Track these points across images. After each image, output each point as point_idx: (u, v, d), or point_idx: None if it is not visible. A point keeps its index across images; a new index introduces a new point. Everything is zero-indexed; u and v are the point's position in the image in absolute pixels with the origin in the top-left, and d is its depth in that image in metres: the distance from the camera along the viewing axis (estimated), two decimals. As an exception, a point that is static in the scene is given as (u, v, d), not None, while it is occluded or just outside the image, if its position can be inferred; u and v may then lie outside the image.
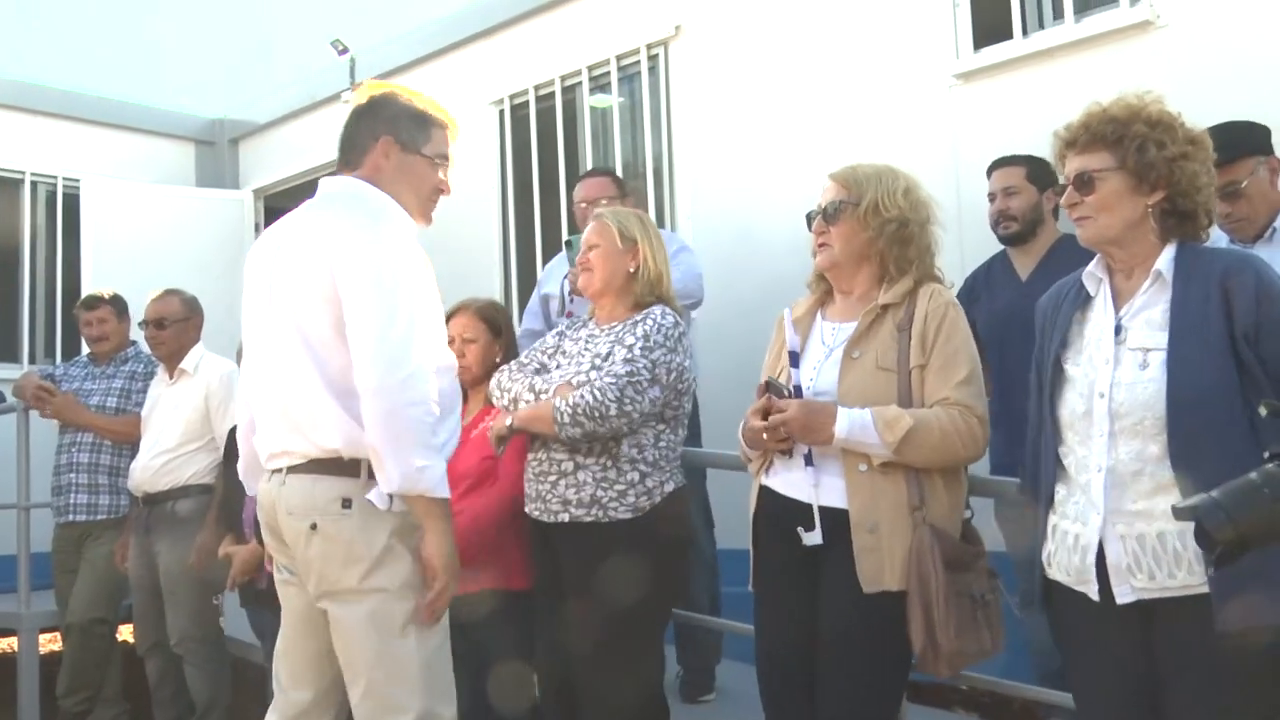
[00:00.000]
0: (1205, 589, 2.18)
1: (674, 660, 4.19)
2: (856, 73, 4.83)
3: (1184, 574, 2.23)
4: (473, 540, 3.47)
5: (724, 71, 5.34)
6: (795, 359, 2.82)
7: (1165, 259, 2.39)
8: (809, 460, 2.72)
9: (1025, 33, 4.37)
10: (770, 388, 2.76)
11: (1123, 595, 2.31)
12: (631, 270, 3.30)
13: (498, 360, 3.76)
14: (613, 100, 5.87)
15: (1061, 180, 2.51)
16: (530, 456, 3.35)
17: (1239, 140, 3.47)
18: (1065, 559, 2.42)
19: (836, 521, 2.67)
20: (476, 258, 6.22)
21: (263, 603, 4.56)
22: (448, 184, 2.94)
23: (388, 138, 2.81)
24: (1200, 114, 3.64)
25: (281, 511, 2.73)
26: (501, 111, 6.34)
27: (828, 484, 2.70)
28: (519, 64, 6.22)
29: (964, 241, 4.33)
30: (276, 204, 7.97)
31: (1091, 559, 2.35)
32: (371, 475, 2.63)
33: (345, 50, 7.19)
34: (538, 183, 6.14)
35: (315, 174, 7.44)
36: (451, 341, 3.90)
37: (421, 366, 2.61)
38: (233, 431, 4.89)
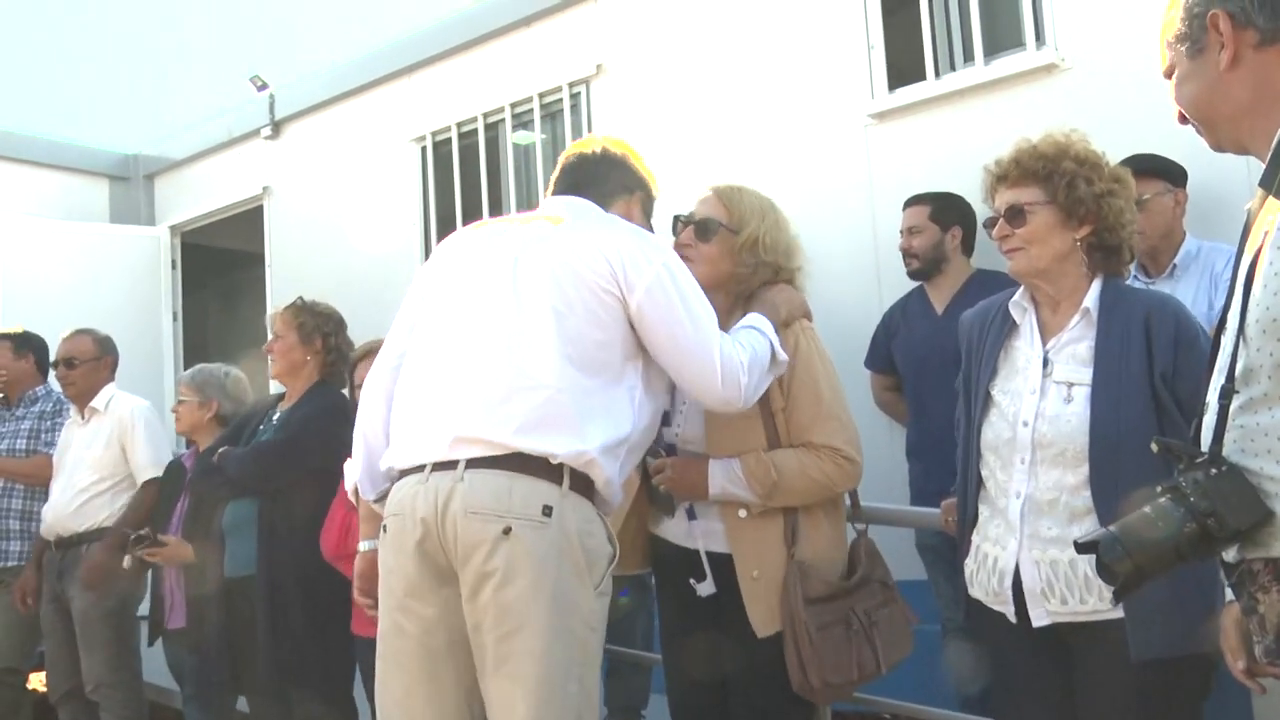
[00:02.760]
0: (1115, 614, 2.26)
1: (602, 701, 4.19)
2: (775, 112, 4.91)
3: (1094, 600, 2.31)
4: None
5: (645, 110, 5.40)
6: (666, 418, 2.79)
7: (1093, 296, 2.49)
8: (691, 514, 2.76)
9: (937, 74, 4.49)
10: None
11: (1038, 618, 2.38)
12: None
13: None
14: (535, 137, 5.91)
15: (991, 214, 2.60)
16: None
17: (1156, 164, 3.64)
18: (985, 579, 2.49)
19: (725, 567, 2.71)
20: (397, 294, 6.18)
21: (179, 642, 4.49)
22: None
23: (640, 195, 2.76)
24: (1104, 153, 3.79)
25: (457, 510, 2.31)
26: (424, 148, 6.34)
27: (711, 529, 2.75)
28: (441, 101, 6.24)
29: (881, 277, 4.43)
30: (194, 240, 7.89)
31: (1008, 582, 2.42)
32: (574, 486, 2.35)
33: (265, 86, 7.15)
34: (460, 219, 6.14)
35: (234, 210, 7.40)
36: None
37: (737, 356, 2.50)
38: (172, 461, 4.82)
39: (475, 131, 6.10)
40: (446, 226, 6.18)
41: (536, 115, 5.86)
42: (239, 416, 4.51)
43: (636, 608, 4.03)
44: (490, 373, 2.38)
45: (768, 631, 2.64)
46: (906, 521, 3.16)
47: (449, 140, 6.22)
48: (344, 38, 7.65)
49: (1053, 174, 2.48)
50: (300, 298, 4.33)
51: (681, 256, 2.74)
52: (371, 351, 4.01)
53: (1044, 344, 2.50)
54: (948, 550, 3.08)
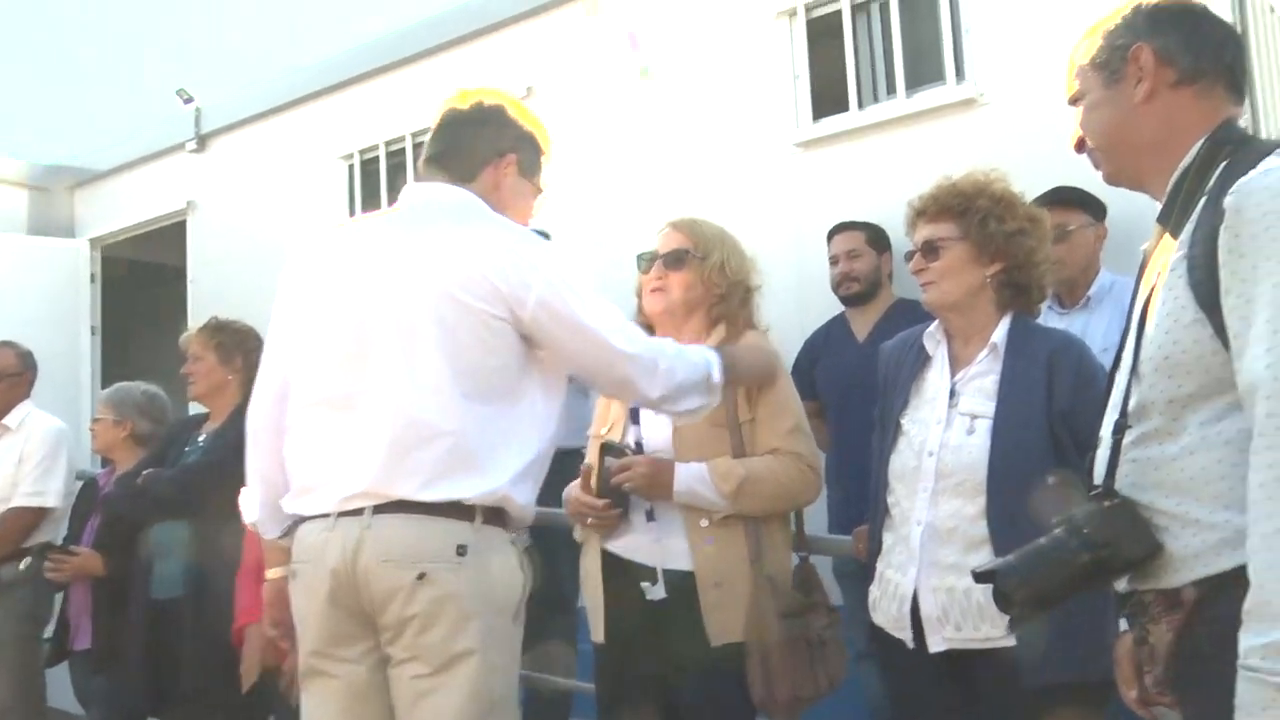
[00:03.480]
0: (1008, 642, 2.32)
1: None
2: (703, 138, 4.96)
3: (988, 627, 2.36)
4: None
5: (575, 133, 5.40)
6: (635, 415, 2.87)
7: (1001, 332, 2.56)
8: (650, 516, 2.77)
9: (861, 105, 4.57)
10: (609, 450, 2.80)
11: (935, 644, 2.44)
12: None
13: None
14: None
15: (910, 247, 2.68)
16: None
17: (1080, 197, 3.74)
18: (887, 605, 2.54)
19: (679, 581, 2.73)
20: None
21: (86, 665, 4.39)
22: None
23: (512, 155, 2.52)
24: (1022, 186, 3.87)
25: (369, 559, 2.25)
26: (351, 166, 6.30)
27: (671, 546, 2.76)
28: (370, 119, 6.20)
29: (804, 303, 4.48)
30: (115, 253, 7.75)
31: (907, 608, 2.47)
32: (487, 519, 2.29)
33: (190, 100, 7.06)
34: (387, 238, 6.11)
35: (156, 224, 7.28)
36: None
37: (655, 351, 2.44)
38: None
39: (403, 151, 6.08)
40: (373, 245, 6.16)
41: (466, 136, 5.84)
42: (161, 437, 4.45)
43: (558, 633, 4.02)
44: (387, 426, 2.27)
45: (723, 641, 2.67)
46: (823, 549, 3.20)
47: (377, 159, 6.19)
48: (273, 54, 7.58)
49: (967, 211, 2.57)
50: (214, 317, 4.28)
51: (653, 290, 2.88)
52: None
53: (953, 376, 2.56)
54: (864, 578, 3.12)
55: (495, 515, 2.32)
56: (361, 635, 2.31)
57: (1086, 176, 3.76)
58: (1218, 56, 1.80)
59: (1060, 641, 2.27)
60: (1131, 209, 3.79)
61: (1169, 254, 1.71)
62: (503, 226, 2.40)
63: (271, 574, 2.65)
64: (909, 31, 4.52)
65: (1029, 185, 3.84)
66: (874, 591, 2.61)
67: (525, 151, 2.55)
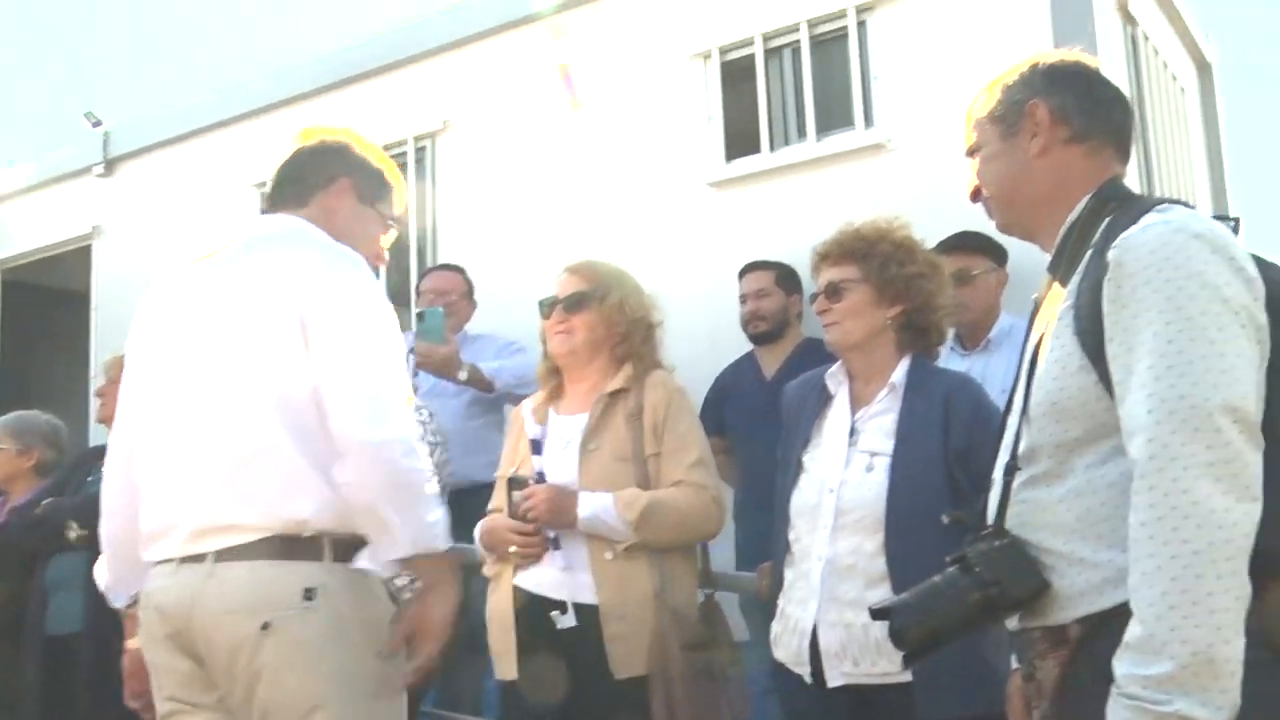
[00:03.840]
0: (905, 677, 2.36)
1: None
2: (617, 176, 5.01)
3: (885, 662, 2.41)
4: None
5: (491, 168, 5.44)
6: (538, 446, 2.89)
7: (900, 372, 2.62)
8: (556, 544, 2.79)
9: (772, 148, 4.67)
10: (514, 484, 2.83)
11: (833, 679, 2.47)
12: None
13: None
14: (379, 188, 5.88)
15: (814, 289, 2.74)
16: None
17: (983, 242, 3.84)
18: (788, 640, 2.58)
19: (583, 615, 2.75)
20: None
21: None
22: (385, 254, 2.61)
23: (346, 180, 2.45)
24: (926, 231, 3.98)
25: (210, 610, 2.13)
26: (264, 194, 6.22)
27: (578, 580, 2.78)
28: (283, 147, 6.15)
29: (716, 340, 4.54)
30: (17, 278, 7.57)
31: (807, 643, 2.50)
32: (339, 556, 2.16)
33: (99, 123, 6.94)
34: (299, 267, 6.06)
35: (60, 248, 7.13)
36: None
37: (410, 417, 2.24)
38: None
39: (318, 180, 6.04)
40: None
41: (381, 167, 5.83)
42: (61, 467, 4.35)
43: (466, 671, 4.00)
44: (210, 451, 2.20)
45: (627, 674, 2.68)
46: (729, 585, 3.24)
47: (290, 188, 6.13)
48: (187, 78, 7.49)
49: (869, 255, 2.64)
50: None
51: (558, 333, 2.90)
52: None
53: (853, 414, 2.62)
54: (770, 614, 3.16)
55: (345, 549, 2.18)
56: (212, 682, 2.20)
57: (989, 223, 3.90)
58: (1108, 118, 1.89)
59: (954, 677, 2.32)
60: (1031, 255, 3.90)
61: (1057, 303, 1.78)
62: (319, 248, 2.31)
63: (130, 644, 2.52)
64: (820, 77, 4.62)
65: (934, 230, 3.97)
66: (775, 627, 2.64)
67: (361, 177, 2.48)
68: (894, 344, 2.65)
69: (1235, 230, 1.84)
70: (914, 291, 2.64)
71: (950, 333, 3.96)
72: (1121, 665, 1.51)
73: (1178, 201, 1.76)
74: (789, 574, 2.63)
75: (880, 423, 2.58)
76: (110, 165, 6.87)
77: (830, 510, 2.53)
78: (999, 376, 3.81)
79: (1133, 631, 1.50)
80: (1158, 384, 1.55)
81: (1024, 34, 4.08)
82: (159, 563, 2.25)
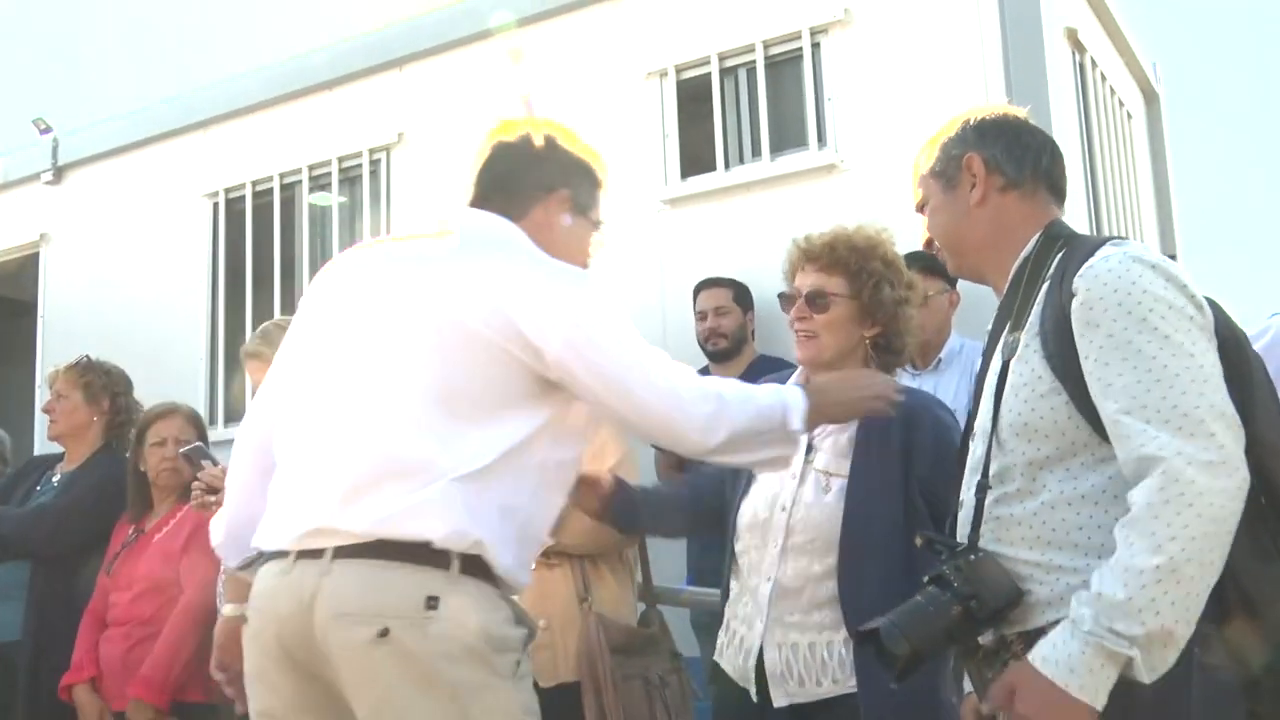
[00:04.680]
0: (847, 692, 2.38)
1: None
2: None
3: (829, 682, 2.41)
4: (175, 663, 3.36)
5: (446, 182, 5.43)
6: None
7: None
8: None
9: (727, 166, 4.70)
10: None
11: (778, 699, 2.45)
12: None
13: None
14: (333, 200, 5.86)
15: (789, 290, 2.60)
16: (221, 569, 3.29)
17: (937, 263, 3.82)
18: (731, 655, 2.56)
19: None
20: (179, 354, 6.00)
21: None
22: (591, 258, 2.42)
23: (565, 192, 2.31)
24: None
25: (323, 612, 1.97)
26: (216, 204, 6.19)
27: None
28: (237, 157, 6.12)
29: (669, 356, 4.55)
30: (-40, 285, 7.46)
31: (753, 662, 2.48)
32: (465, 569, 1.99)
33: (48, 130, 6.84)
34: (250, 279, 6.02)
35: (8, 256, 7.03)
36: (163, 443, 3.77)
37: (708, 390, 2.12)
38: None
39: (271, 191, 6.01)
40: (236, 286, 6.05)
41: (335, 179, 5.82)
42: (5, 477, 4.30)
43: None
44: (354, 454, 2.04)
45: (553, 681, 2.67)
46: (678, 600, 3.25)
47: (243, 198, 6.10)
48: (139, 87, 7.42)
49: (862, 270, 2.54)
50: (86, 356, 4.16)
51: None
52: (165, 414, 3.90)
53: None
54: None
55: (475, 564, 2.02)
56: (321, 702, 2.04)
57: (938, 245, 3.96)
58: (1036, 164, 2.03)
59: (900, 695, 2.30)
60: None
61: (1018, 333, 1.89)
62: (538, 263, 2.17)
63: (227, 610, 2.46)
64: (774, 97, 4.67)
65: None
66: (722, 637, 2.62)
67: (579, 185, 2.35)
68: (861, 362, 2.56)
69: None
70: (896, 315, 2.57)
71: (905, 352, 4.03)
72: (1088, 610, 1.64)
73: (1125, 239, 1.94)
74: (734, 585, 2.61)
75: (836, 440, 2.53)
76: (59, 173, 6.78)
77: (780, 529, 2.49)
78: (949, 395, 3.86)
79: (1113, 591, 1.62)
80: (1148, 395, 1.67)
81: (975, 59, 4.15)
82: (271, 557, 2.09)
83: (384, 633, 1.92)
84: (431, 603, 1.95)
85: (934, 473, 2.42)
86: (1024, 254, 1.96)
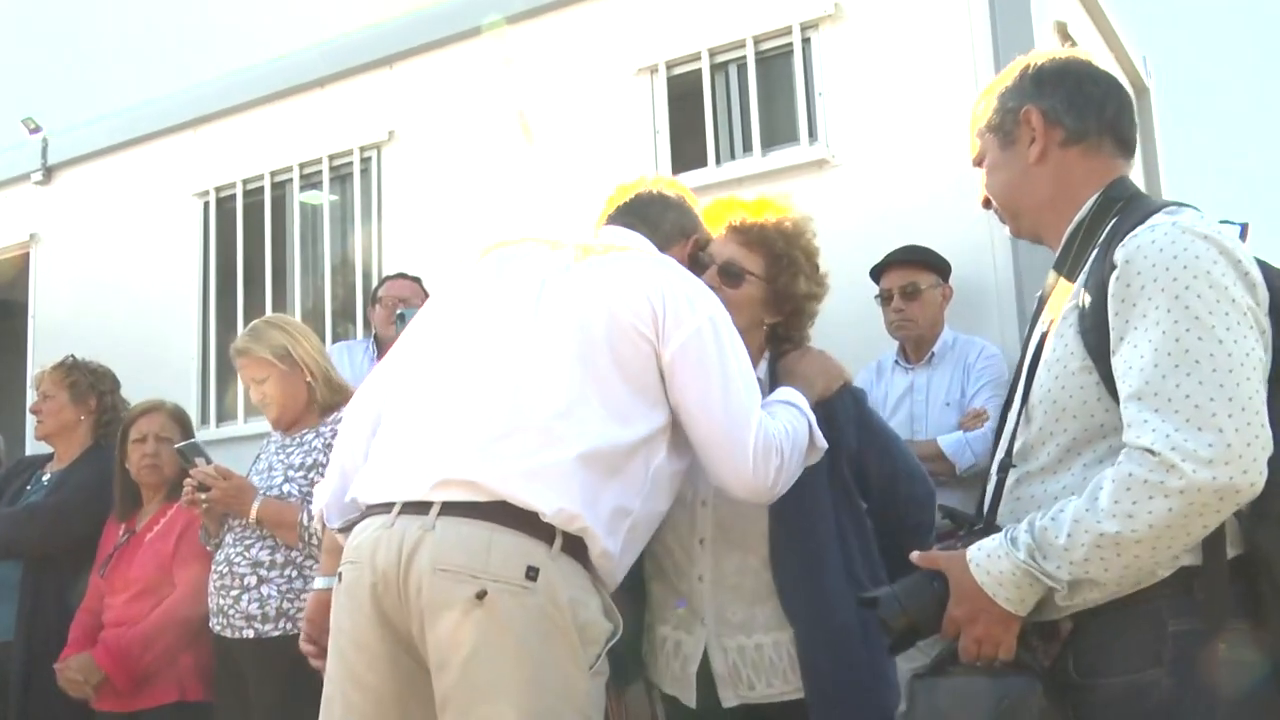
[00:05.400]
0: (799, 694, 2.30)
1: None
2: (564, 189, 5.01)
3: (780, 683, 2.32)
4: (146, 650, 3.35)
5: (436, 180, 5.43)
6: None
7: (762, 369, 2.46)
8: None
9: (719, 162, 4.69)
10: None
11: (727, 700, 2.35)
12: (308, 381, 3.34)
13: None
14: (324, 199, 5.85)
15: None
16: (213, 569, 3.29)
17: (930, 258, 3.90)
18: (665, 664, 2.43)
19: None
20: (170, 353, 5.99)
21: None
22: None
23: (696, 239, 2.46)
24: (867, 244, 4.04)
25: (422, 564, 1.95)
26: (207, 204, 6.17)
27: None
28: (228, 156, 6.11)
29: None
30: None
31: (694, 668, 2.37)
32: (566, 548, 1.99)
33: (38, 129, 6.82)
34: (242, 278, 6.01)
35: (4, 254, 7.01)
36: (143, 440, 3.76)
37: (771, 437, 2.12)
38: None
39: (262, 190, 5.99)
40: (227, 285, 6.05)
41: (325, 177, 5.81)
42: (-1, 477, 4.30)
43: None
44: (490, 409, 2.06)
45: None
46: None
47: (233, 197, 6.09)
48: (129, 86, 7.40)
49: (783, 257, 2.46)
50: (71, 356, 4.17)
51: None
52: (147, 411, 3.89)
53: None
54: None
55: (577, 547, 2.01)
56: (401, 656, 2.02)
57: (929, 237, 3.97)
58: (1100, 114, 1.88)
59: (846, 690, 2.27)
60: (978, 270, 3.99)
61: (1062, 301, 1.79)
62: (686, 273, 2.30)
63: (318, 584, 2.46)
64: (765, 93, 4.66)
65: (876, 243, 4.02)
66: (645, 646, 2.47)
67: (698, 240, 2.48)
68: (756, 347, 2.44)
69: (1243, 235, 1.84)
70: (802, 309, 2.51)
71: (895, 346, 4.03)
72: (1026, 538, 1.67)
73: (1185, 204, 1.77)
74: (656, 589, 2.46)
75: None
76: (49, 173, 6.77)
77: (706, 524, 2.37)
78: (942, 390, 3.88)
79: (1056, 534, 1.63)
80: (1164, 382, 1.58)
81: (965, 52, 4.14)
82: (375, 508, 2.08)
83: (481, 594, 1.91)
84: (531, 573, 1.93)
85: (860, 441, 2.40)
86: (1078, 217, 1.84)
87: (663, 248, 2.39)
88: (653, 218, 2.45)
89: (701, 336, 2.12)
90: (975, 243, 3.97)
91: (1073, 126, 1.86)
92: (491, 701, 1.91)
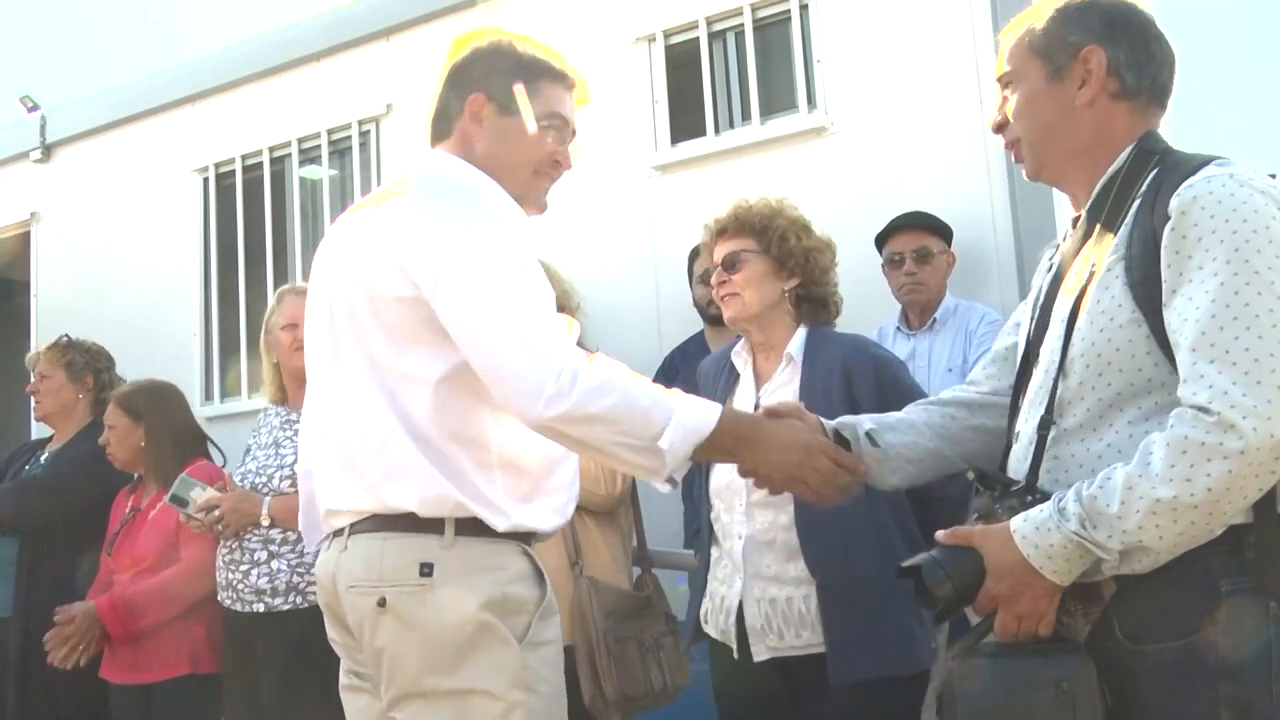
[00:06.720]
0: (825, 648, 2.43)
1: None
2: (562, 159, 5.01)
3: (808, 634, 2.48)
4: (146, 611, 3.36)
5: (435, 151, 5.42)
6: None
7: (796, 343, 2.65)
8: None
9: (717, 131, 4.67)
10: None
11: (759, 653, 2.53)
12: None
13: (140, 445, 3.68)
14: (323, 173, 5.85)
15: (709, 267, 2.76)
16: (221, 545, 3.30)
17: (935, 223, 3.90)
18: (714, 618, 2.63)
19: None
20: (172, 329, 6.01)
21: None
22: (568, 155, 2.30)
23: (478, 95, 2.16)
24: (866, 211, 4.04)
25: (342, 585, 2.04)
26: (206, 179, 6.17)
27: None
28: (226, 132, 6.10)
29: (661, 323, 4.56)
30: (-46, 265, 7.44)
31: (733, 620, 2.56)
32: (463, 530, 1.97)
33: (36, 107, 6.80)
34: (242, 254, 6.01)
35: (1, 234, 7.01)
36: (113, 428, 3.76)
37: (574, 360, 1.91)
38: None
39: (260, 165, 5.99)
40: (227, 261, 6.06)
41: (324, 152, 5.80)
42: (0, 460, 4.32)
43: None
44: (331, 436, 2.10)
45: None
46: (665, 563, 3.27)
47: (233, 173, 6.08)
48: (127, 62, 7.37)
49: (767, 228, 2.67)
50: (65, 335, 4.18)
51: None
52: (138, 388, 3.90)
53: (757, 390, 2.66)
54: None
55: (473, 526, 1.99)
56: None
57: (929, 203, 3.96)
58: (1156, 77, 1.83)
59: (863, 640, 2.40)
60: (979, 237, 3.99)
61: (1099, 254, 1.74)
62: (428, 205, 2.04)
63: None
64: (763, 61, 4.64)
65: (876, 211, 4.02)
66: (705, 604, 2.69)
67: (495, 83, 2.18)
68: (791, 316, 2.68)
69: None
70: (811, 264, 2.67)
71: (896, 312, 4.04)
72: (1076, 508, 1.62)
73: (1228, 159, 1.72)
74: (714, 552, 2.68)
75: (782, 395, 2.60)
76: (48, 150, 6.76)
77: (743, 488, 2.55)
78: (944, 355, 3.89)
79: (1108, 502, 1.58)
80: (1221, 334, 1.54)
81: (965, 18, 4.12)
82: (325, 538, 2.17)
83: (381, 602, 1.96)
84: (425, 569, 1.96)
85: (884, 408, 2.40)
86: (1114, 167, 1.78)
87: (446, 134, 2.20)
88: (437, 108, 2.24)
89: (441, 280, 1.95)
90: (975, 209, 3.97)
91: (1131, 84, 1.80)
92: (419, 699, 1.96)
